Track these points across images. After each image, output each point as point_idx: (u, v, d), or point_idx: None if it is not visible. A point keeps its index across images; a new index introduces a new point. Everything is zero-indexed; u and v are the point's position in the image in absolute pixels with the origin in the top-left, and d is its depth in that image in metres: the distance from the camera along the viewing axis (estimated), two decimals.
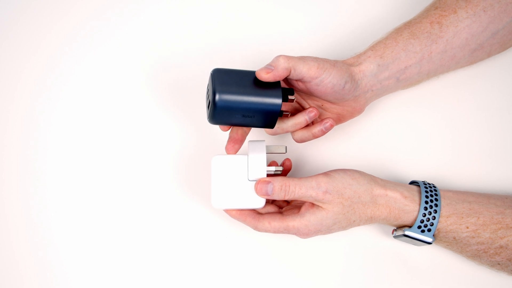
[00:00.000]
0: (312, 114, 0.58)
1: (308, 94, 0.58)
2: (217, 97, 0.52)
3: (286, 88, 0.57)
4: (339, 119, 0.62)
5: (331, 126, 0.59)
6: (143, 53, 0.71)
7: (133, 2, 0.73)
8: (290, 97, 0.56)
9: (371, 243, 0.64)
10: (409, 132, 0.67)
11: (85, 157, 0.68)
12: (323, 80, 0.55)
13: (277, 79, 0.53)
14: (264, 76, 0.53)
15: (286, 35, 0.71)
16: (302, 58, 0.55)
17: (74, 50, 0.71)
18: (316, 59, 0.55)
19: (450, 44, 0.59)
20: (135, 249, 0.65)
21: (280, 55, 0.53)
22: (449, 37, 0.59)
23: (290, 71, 0.54)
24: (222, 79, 0.53)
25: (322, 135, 0.60)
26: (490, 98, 0.67)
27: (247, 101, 0.53)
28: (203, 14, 0.72)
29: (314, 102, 0.61)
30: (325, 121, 0.59)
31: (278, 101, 0.53)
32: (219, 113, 0.54)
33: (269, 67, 0.53)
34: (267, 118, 0.55)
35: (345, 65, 0.57)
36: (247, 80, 0.54)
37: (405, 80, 0.61)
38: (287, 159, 0.61)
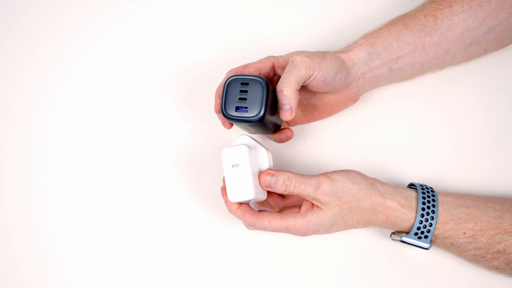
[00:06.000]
0: (283, 136, 0.61)
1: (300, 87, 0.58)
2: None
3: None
4: (333, 109, 0.63)
5: (287, 138, 0.62)
6: (143, 51, 0.71)
7: (133, 2, 0.73)
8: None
9: (369, 242, 0.63)
10: (408, 129, 0.66)
11: (85, 157, 0.68)
12: (315, 76, 0.55)
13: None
14: (290, 117, 0.54)
15: (281, 30, 0.70)
16: (294, 71, 0.54)
17: (74, 50, 0.72)
18: (305, 62, 0.55)
19: (444, 37, 0.59)
20: (135, 248, 0.65)
21: (284, 88, 0.53)
22: (443, 30, 0.59)
23: None
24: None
25: (280, 142, 0.63)
26: (489, 95, 0.66)
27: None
28: (202, 12, 0.72)
29: (307, 92, 0.61)
30: (283, 131, 0.61)
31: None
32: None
33: (288, 108, 0.54)
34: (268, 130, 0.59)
35: (334, 55, 0.57)
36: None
37: (398, 71, 0.61)
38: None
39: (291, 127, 0.66)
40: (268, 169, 0.57)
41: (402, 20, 0.60)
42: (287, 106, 0.54)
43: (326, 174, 0.56)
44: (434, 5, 0.60)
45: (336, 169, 0.59)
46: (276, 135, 0.62)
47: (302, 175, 0.55)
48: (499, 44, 0.63)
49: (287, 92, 0.53)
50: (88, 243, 0.66)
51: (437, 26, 0.59)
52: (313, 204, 0.56)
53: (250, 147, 0.56)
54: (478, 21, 0.59)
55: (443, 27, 0.59)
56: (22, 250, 0.66)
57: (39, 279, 0.65)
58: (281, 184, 0.55)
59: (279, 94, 0.54)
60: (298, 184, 0.54)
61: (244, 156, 0.55)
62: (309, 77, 0.55)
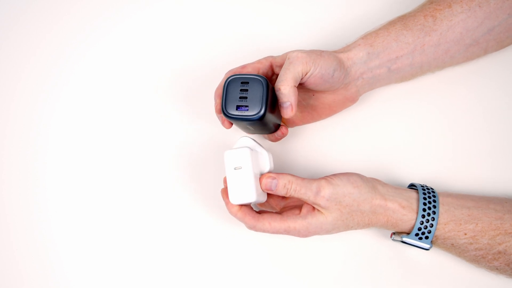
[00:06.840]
0: (278, 133, 0.62)
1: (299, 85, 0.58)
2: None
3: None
4: (332, 109, 0.63)
5: (283, 135, 0.62)
6: (143, 51, 0.71)
7: (133, 2, 0.73)
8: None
9: (370, 243, 0.63)
10: (408, 129, 0.66)
11: (85, 157, 0.68)
12: (312, 73, 0.55)
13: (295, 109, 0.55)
14: (291, 114, 0.55)
15: (281, 30, 0.70)
16: (290, 68, 0.54)
17: (74, 50, 0.72)
18: (301, 58, 0.55)
19: (444, 38, 0.59)
20: (135, 248, 0.65)
21: (281, 86, 0.54)
22: (443, 31, 0.59)
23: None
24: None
25: (276, 141, 0.63)
26: (489, 95, 0.66)
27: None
28: (202, 12, 0.72)
29: (305, 92, 0.61)
30: (278, 128, 0.61)
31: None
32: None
33: (288, 106, 0.54)
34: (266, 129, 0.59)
35: (332, 54, 0.57)
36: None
37: (397, 71, 0.61)
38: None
39: (289, 128, 0.66)
40: (269, 171, 0.57)
41: (401, 21, 0.60)
42: (287, 104, 0.54)
43: (326, 178, 0.56)
44: (434, 5, 0.60)
45: (336, 170, 0.59)
46: (271, 134, 0.62)
47: (303, 179, 0.55)
48: (499, 44, 0.63)
49: (285, 90, 0.53)
50: (88, 243, 0.66)
51: (437, 26, 0.59)
52: (313, 207, 0.56)
53: (252, 150, 0.56)
54: (478, 21, 0.59)
55: (443, 28, 0.59)
56: (22, 250, 0.66)
57: (39, 279, 0.65)
58: (282, 188, 0.55)
59: (277, 93, 0.54)
60: (299, 188, 0.54)
61: (247, 159, 0.54)
62: (306, 73, 0.55)
